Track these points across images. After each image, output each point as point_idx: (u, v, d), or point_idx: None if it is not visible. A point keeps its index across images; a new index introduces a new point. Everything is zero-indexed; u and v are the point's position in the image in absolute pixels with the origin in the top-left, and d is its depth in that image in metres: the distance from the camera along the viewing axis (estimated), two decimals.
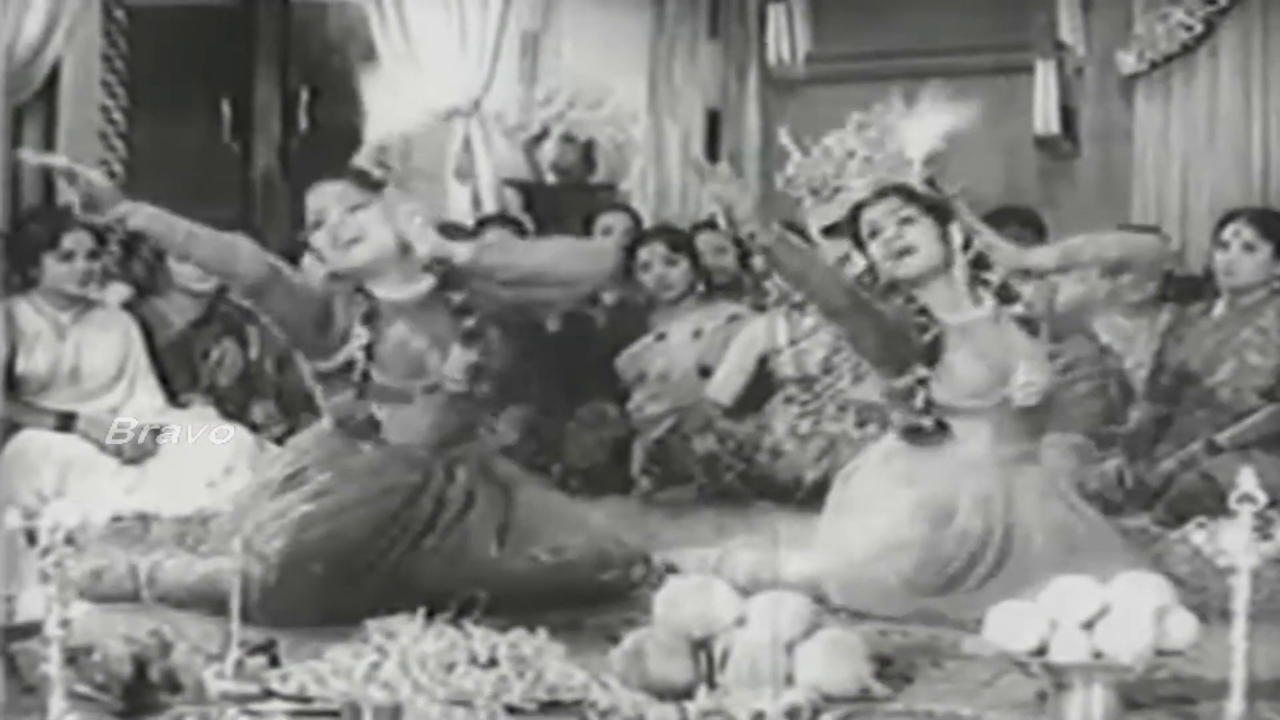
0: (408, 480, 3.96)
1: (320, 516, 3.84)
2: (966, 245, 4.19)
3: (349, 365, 4.00)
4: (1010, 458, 4.09)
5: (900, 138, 4.50)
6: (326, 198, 4.07)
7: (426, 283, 4.10)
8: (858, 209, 4.29)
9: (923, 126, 4.38)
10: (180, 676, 2.99)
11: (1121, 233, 5.17)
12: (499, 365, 4.16)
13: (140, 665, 2.98)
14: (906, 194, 4.23)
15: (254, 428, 5.57)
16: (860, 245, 4.28)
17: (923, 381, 4.08)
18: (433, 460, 4.01)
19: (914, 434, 4.12)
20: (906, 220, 4.16)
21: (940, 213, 4.21)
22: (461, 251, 4.13)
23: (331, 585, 3.72)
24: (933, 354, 4.10)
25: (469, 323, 4.07)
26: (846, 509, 4.16)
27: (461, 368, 4.04)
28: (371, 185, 4.11)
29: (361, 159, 4.20)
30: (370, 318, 4.02)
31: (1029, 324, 4.18)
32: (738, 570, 3.89)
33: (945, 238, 4.18)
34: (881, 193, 4.27)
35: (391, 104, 4.41)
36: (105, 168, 7.98)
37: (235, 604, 3.05)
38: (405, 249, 4.07)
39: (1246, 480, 2.65)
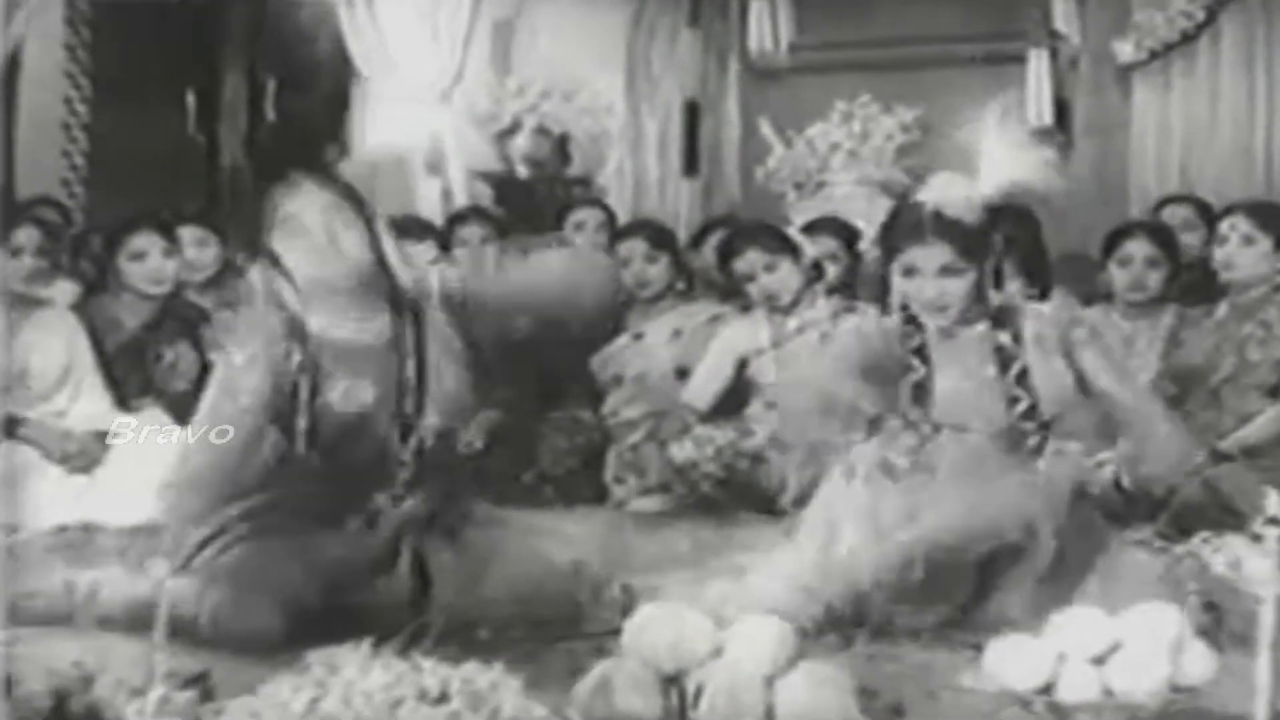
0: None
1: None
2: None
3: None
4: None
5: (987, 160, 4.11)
6: None
7: None
8: (893, 239, 4.00)
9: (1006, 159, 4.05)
10: (103, 712, 2.81)
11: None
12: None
13: (60, 699, 2.81)
14: (959, 236, 3.92)
15: None
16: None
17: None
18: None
19: None
20: (950, 272, 3.92)
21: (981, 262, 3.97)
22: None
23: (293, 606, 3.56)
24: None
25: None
26: None
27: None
28: None
29: None
30: None
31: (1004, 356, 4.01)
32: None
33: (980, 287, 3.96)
34: (936, 231, 3.92)
35: None
36: (67, 160, 7.92)
37: (160, 631, 2.83)
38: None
39: (1273, 504, 2.55)
